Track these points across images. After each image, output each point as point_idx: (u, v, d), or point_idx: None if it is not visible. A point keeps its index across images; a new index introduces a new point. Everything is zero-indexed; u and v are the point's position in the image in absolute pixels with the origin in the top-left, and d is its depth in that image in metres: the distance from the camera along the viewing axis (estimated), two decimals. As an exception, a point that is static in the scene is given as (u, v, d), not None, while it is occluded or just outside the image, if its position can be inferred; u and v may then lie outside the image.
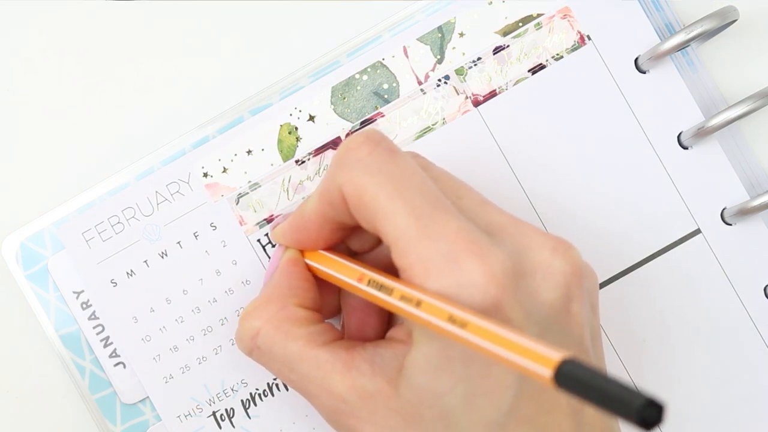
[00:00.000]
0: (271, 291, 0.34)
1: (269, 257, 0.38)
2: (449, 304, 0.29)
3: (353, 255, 0.36)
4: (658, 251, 0.39)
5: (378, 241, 0.35)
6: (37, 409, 0.39)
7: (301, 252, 0.35)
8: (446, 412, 0.30)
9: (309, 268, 0.35)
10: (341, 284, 0.33)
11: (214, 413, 0.38)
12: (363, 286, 0.32)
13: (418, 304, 0.30)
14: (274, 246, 0.38)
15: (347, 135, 0.38)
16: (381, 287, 0.31)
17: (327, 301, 0.36)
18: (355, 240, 0.35)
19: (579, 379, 0.25)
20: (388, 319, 0.36)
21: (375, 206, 0.31)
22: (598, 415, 0.32)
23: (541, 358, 0.26)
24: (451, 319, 0.29)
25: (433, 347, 0.30)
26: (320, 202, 0.33)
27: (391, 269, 0.32)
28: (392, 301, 0.31)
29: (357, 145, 0.32)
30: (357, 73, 0.38)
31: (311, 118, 0.38)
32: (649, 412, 0.24)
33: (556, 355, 0.26)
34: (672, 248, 0.39)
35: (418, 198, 0.31)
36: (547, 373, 0.26)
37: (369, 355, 0.32)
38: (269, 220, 0.38)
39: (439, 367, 0.30)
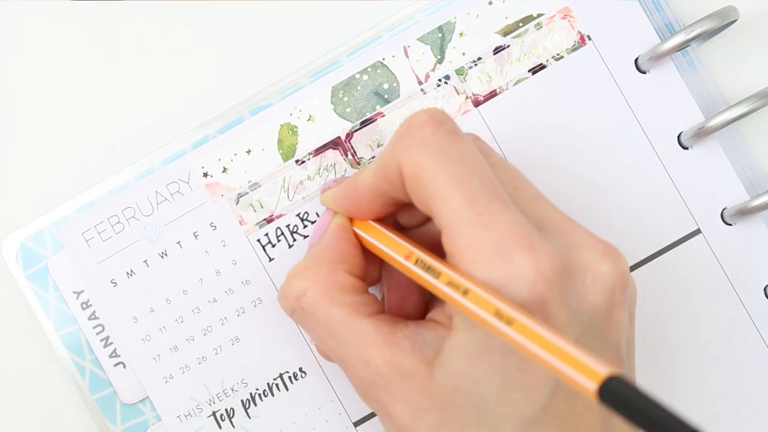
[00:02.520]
0: (321, 254, 0.34)
1: (269, 257, 0.38)
2: (497, 297, 0.28)
3: (400, 229, 0.35)
4: (658, 251, 0.39)
5: (427, 219, 0.35)
6: (37, 409, 0.39)
7: (350, 219, 0.35)
8: (479, 401, 0.30)
9: (356, 236, 0.35)
10: (387, 258, 0.33)
11: (214, 413, 0.38)
12: (410, 265, 0.32)
13: (465, 292, 0.29)
14: (274, 246, 0.38)
15: (347, 135, 0.38)
16: (428, 269, 0.31)
17: (369, 270, 0.35)
18: (404, 214, 0.35)
19: (624, 398, 0.25)
20: (428, 298, 0.35)
21: (432, 188, 0.31)
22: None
23: (588, 371, 0.26)
24: (498, 314, 0.28)
25: (473, 335, 0.30)
26: (376, 176, 0.33)
27: (436, 248, 0.32)
28: (438, 285, 0.30)
29: (420, 123, 0.31)
30: (357, 73, 0.38)
31: (311, 118, 0.38)
32: None
33: (603, 370, 0.26)
34: (672, 248, 0.39)
35: (475, 184, 0.30)
36: (592, 386, 0.26)
37: (411, 334, 0.32)
38: (269, 220, 0.38)
39: (477, 355, 0.30)
